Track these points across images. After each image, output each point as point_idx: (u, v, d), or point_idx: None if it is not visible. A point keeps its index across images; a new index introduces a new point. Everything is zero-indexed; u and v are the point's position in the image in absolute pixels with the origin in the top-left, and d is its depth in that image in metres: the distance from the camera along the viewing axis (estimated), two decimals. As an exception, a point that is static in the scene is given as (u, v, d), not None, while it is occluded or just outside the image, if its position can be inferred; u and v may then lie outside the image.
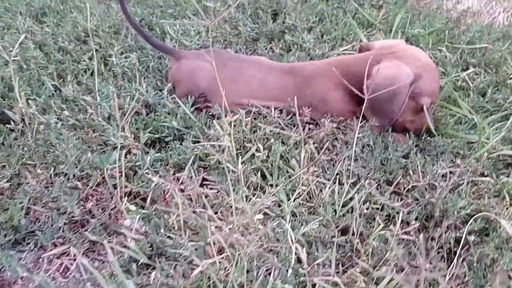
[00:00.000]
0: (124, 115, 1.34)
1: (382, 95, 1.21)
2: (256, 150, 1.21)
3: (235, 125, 1.27)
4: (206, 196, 1.12)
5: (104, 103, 1.32)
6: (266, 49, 1.76)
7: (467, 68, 1.72)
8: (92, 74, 1.58)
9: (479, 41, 1.87)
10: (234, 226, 1.01)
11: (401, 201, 1.13)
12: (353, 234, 1.04)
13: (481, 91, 1.59)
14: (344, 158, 1.21)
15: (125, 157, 1.20)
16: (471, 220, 1.03)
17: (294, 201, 1.10)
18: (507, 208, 1.10)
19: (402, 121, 1.32)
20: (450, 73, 1.66)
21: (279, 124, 1.32)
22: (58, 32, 1.76)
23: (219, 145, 1.20)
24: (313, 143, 1.27)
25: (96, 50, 1.69)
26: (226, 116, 1.23)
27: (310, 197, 1.15)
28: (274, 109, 1.36)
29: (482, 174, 1.23)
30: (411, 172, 1.20)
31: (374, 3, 2.13)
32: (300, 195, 1.12)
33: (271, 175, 1.19)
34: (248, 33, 1.83)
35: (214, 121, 1.23)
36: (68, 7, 2.02)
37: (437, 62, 1.77)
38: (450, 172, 1.20)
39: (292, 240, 0.97)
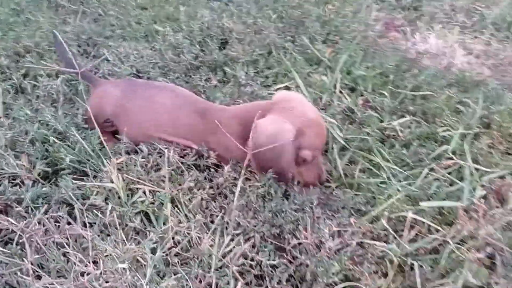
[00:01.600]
0: (31, 142, 1.34)
1: (267, 155, 1.18)
2: (143, 193, 1.19)
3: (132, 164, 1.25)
4: (83, 238, 1.11)
5: (3, 130, 1.30)
6: (203, 79, 1.74)
7: (404, 116, 1.68)
8: (16, 93, 1.58)
9: (428, 86, 1.83)
10: (94, 273, 0.99)
11: (281, 258, 1.11)
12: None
13: (407, 143, 1.55)
14: (236, 208, 1.19)
15: (13, 187, 1.19)
16: (335, 289, 1.01)
17: (168, 250, 1.08)
18: (382, 278, 1.07)
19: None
20: (384, 119, 1.64)
21: (180, 165, 1.30)
22: (-2, 46, 1.77)
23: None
24: (210, 188, 1.25)
25: (30, 68, 1.69)
26: (117, 156, 1.21)
27: (190, 246, 1.13)
28: (185, 147, 1.34)
29: (378, 236, 1.20)
30: (301, 227, 1.17)
31: (331, 38, 2.11)
32: (178, 245, 1.10)
33: (157, 220, 1.18)
34: (189, 61, 1.82)
35: (105, 161, 1.21)
36: (20, 20, 2.02)
37: (375, 107, 1.74)
38: (345, 231, 1.18)
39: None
